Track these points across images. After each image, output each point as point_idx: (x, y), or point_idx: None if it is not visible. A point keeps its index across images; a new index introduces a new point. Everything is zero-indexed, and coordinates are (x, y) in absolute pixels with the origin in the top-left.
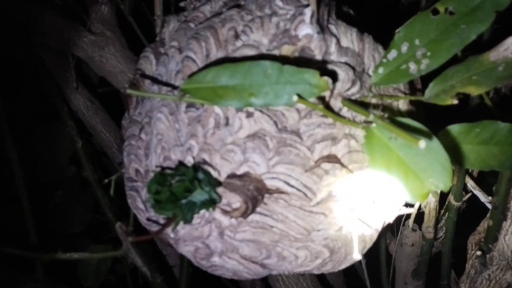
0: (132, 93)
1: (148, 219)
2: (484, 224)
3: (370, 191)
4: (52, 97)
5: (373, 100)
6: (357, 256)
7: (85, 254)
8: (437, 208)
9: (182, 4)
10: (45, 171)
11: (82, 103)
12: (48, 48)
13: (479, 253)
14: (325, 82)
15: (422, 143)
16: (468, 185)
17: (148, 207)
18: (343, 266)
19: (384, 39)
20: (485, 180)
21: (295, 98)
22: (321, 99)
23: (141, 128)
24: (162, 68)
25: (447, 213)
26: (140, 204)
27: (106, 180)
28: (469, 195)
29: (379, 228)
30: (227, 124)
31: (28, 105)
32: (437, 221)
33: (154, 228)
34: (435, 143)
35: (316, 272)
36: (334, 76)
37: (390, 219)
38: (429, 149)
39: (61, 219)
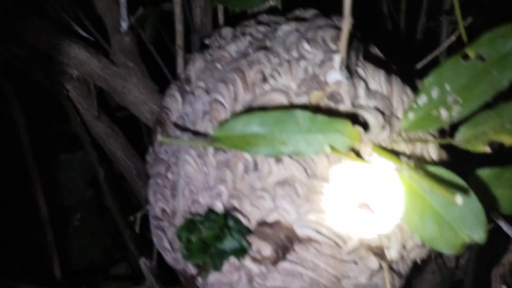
0: (164, 140)
1: (175, 260)
2: (508, 257)
3: (401, 237)
4: (75, 127)
5: (403, 145)
6: None
7: None
8: None
9: (207, 41)
10: (64, 195)
11: (103, 130)
12: (71, 77)
13: (504, 287)
14: (358, 132)
15: (459, 198)
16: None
17: (175, 248)
18: None
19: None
20: None
21: (327, 148)
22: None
23: (167, 168)
24: (188, 107)
25: None
26: (167, 244)
27: (132, 217)
28: (492, 225)
29: (408, 272)
30: (256, 169)
31: (50, 131)
32: None
33: (180, 266)
34: (470, 194)
35: None
36: (365, 124)
37: (418, 261)
38: (463, 200)
39: (80, 243)
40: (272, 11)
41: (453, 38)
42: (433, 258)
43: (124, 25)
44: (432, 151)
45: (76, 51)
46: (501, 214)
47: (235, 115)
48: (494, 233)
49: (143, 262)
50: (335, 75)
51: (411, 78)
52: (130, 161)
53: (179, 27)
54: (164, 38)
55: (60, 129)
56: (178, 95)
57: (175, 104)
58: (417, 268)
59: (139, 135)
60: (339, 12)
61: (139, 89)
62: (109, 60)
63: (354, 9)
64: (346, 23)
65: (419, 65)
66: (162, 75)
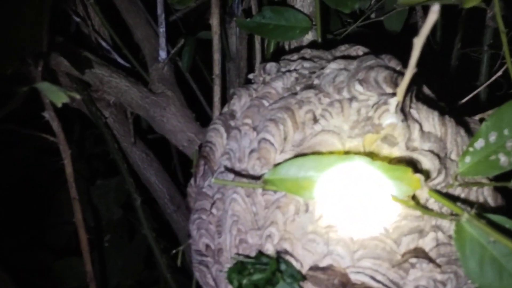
0: (217, 182)
1: None
2: None
3: (456, 285)
4: (112, 154)
5: (459, 188)
6: None
7: None
8: None
9: (251, 76)
10: (96, 218)
11: (138, 156)
12: (108, 103)
13: None
14: (418, 181)
15: None
16: None
17: (220, 284)
18: None
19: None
20: None
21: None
22: None
23: (212, 203)
24: (234, 143)
25: None
26: (210, 281)
27: (174, 251)
28: None
29: None
30: (307, 210)
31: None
32: None
33: None
34: None
35: None
36: (424, 170)
37: None
38: None
39: (112, 265)
40: (310, 45)
41: (499, 73)
42: None
43: (163, 54)
44: (487, 195)
45: (117, 80)
46: None
47: (288, 160)
48: None
49: None
50: (390, 118)
51: (456, 114)
52: (163, 185)
53: (216, 56)
54: (200, 66)
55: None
56: (222, 130)
57: (219, 139)
58: None
59: (169, 158)
60: (380, 46)
61: (177, 117)
62: (148, 89)
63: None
64: (410, 72)
65: (462, 102)
66: (198, 102)
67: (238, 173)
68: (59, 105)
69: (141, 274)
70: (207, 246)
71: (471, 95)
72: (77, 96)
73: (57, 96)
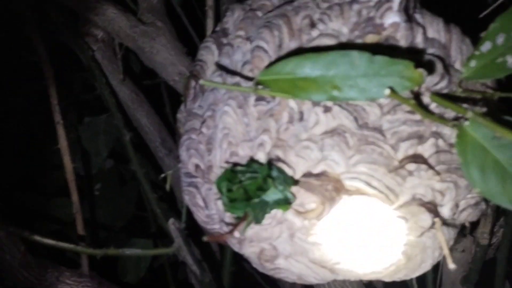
0: (205, 83)
1: (208, 217)
2: None
3: (455, 195)
4: (100, 88)
5: (462, 96)
6: (451, 266)
7: (136, 250)
8: (495, 212)
9: None
10: (86, 163)
11: (127, 95)
12: (96, 38)
13: None
14: (420, 75)
15: None
16: None
17: (209, 204)
18: (416, 274)
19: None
20: None
21: (387, 91)
22: (410, 93)
23: (202, 122)
24: (225, 59)
25: (502, 218)
26: (200, 201)
27: (162, 175)
28: None
29: (456, 234)
30: (301, 119)
31: (73, 98)
32: (493, 226)
33: (212, 226)
34: None
35: (387, 279)
36: (425, 68)
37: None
38: None
39: (102, 212)
40: None
41: None
42: (466, 235)
43: None
44: (492, 105)
45: (104, 7)
46: None
47: (281, 58)
48: None
49: (172, 223)
50: (393, 17)
51: (473, 30)
52: (154, 128)
53: None
54: (192, 2)
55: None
56: (213, 47)
57: (210, 56)
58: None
59: (162, 106)
60: None
61: (168, 49)
62: (137, 18)
63: None
64: None
65: (482, 15)
66: (191, 40)
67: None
68: None
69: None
70: (197, 166)
71: (485, 12)
72: None
73: None
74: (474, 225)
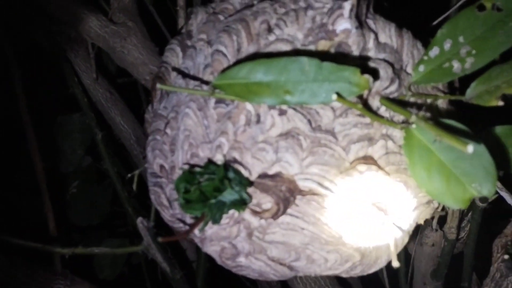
0: (162, 87)
1: (173, 216)
2: (511, 227)
3: (405, 193)
4: (72, 87)
5: (412, 100)
6: (396, 263)
7: (105, 249)
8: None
9: None
10: (62, 161)
11: (101, 94)
12: (69, 37)
13: (506, 256)
14: (366, 81)
15: (470, 147)
16: None
17: (173, 204)
18: (372, 270)
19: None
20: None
21: (334, 97)
22: (359, 97)
23: (166, 123)
24: (189, 61)
25: (470, 214)
26: (164, 201)
27: (129, 175)
28: (495, 196)
29: (411, 231)
30: (258, 121)
31: (48, 95)
32: (460, 221)
33: (177, 224)
34: (480, 147)
35: (344, 275)
36: (373, 74)
37: (422, 221)
38: (473, 153)
39: (78, 210)
40: None
41: None
42: (434, 229)
43: None
44: (441, 108)
45: (75, 7)
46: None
47: (237, 62)
48: (496, 204)
49: (140, 221)
50: (344, 24)
51: (424, 37)
52: (128, 126)
53: None
54: (166, 0)
55: (58, 94)
56: (178, 49)
57: (175, 58)
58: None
59: (139, 103)
60: None
61: (139, 49)
62: (108, 19)
63: None
64: None
65: (433, 23)
66: (164, 38)
67: (192, 84)
68: None
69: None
70: (161, 166)
71: (443, 16)
72: None
73: None
74: (444, 220)
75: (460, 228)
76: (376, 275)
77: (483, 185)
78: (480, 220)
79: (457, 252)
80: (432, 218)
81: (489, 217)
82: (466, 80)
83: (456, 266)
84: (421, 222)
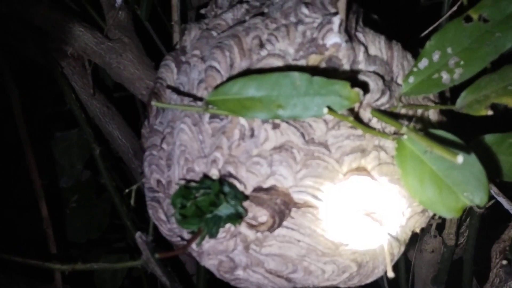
0: (156, 105)
1: (170, 231)
2: (509, 233)
3: (399, 203)
4: (69, 104)
5: (403, 110)
6: (390, 274)
7: (104, 264)
8: None
9: (203, 11)
10: (61, 176)
11: (98, 109)
12: (65, 54)
13: (504, 262)
14: (356, 94)
15: (460, 158)
16: (491, 191)
17: (170, 218)
18: (369, 280)
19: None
20: (508, 186)
21: (325, 110)
22: (350, 110)
23: (162, 138)
24: (183, 77)
25: (468, 219)
26: (162, 216)
27: (127, 190)
28: (492, 201)
29: (407, 240)
30: (252, 135)
31: (45, 112)
32: (459, 227)
33: (175, 239)
34: (471, 156)
35: (342, 285)
36: (364, 87)
37: (418, 230)
38: (464, 162)
39: (77, 224)
40: None
41: (455, 7)
42: (433, 236)
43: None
44: (432, 118)
45: (70, 25)
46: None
47: (230, 78)
48: (494, 209)
49: (139, 236)
50: (334, 38)
51: (414, 48)
52: (126, 140)
53: (174, 1)
54: (161, 16)
55: (56, 110)
56: (173, 65)
57: (170, 74)
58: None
59: (137, 116)
60: None
61: (135, 65)
62: (104, 35)
63: None
64: None
65: (422, 35)
66: (159, 53)
67: (186, 100)
68: None
69: (109, 231)
70: (158, 181)
71: (432, 27)
72: None
73: None
74: (443, 226)
75: (459, 234)
76: (376, 283)
77: (475, 193)
78: (478, 225)
79: (457, 258)
80: (431, 225)
81: (487, 222)
82: (457, 90)
83: (456, 271)
84: (417, 230)
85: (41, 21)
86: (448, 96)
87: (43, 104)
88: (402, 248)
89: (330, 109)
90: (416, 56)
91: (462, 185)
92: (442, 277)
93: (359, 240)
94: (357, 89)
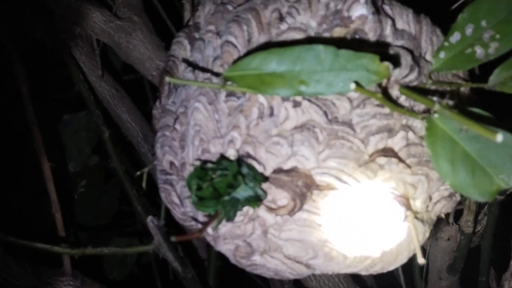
0: (171, 80)
1: (184, 214)
2: None
3: (427, 188)
4: (78, 85)
5: (433, 88)
6: (421, 260)
7: (115, 249)
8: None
9: None
10: (69, 161)
11: (107, 91)
12: (73, 34)
13: None
14: (386, 68)
15: (500, 136)
16: None
17: (184, 201)
18: (392, 267)
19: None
20: None
21: (352, 86)
22: (378, 86)
23: (175, 118)
24: (197, 54)
25: (486, 207)
26: (175, 198)
27: (138, 173)
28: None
29: (432, 226)
30: (271, 114)
31: (54, 94)
32: (477, 214)
33: (189, 223)
34: (509, 135)
35: (363, 273)
36: (392, 61)
37: (443, 215)
38: (502, 142)
39: (86, 209)
40: None
41: None
42: (450, 223)
43: None
44: (463, 96)
45: (78, 2)
46: None
47: (249, 52)
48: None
49: (150, 220)
50: (360, 10)
51: (444, 23)
52: (135, 123)
53: None
54: None
55: (63, 95)
56: (186, 42)
57: (183, 51)
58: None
59: (145, 100)
60: None
61: (144, 44)
62: (113, 14)
63: None
64: None
65: (453, 7)
66: (169, 33)
67: (201, 77)
68: None
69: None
70: (171, 163)
71: (462, 0)
72: None
73: None
74: (459, 213)
75: (477, 222)
76: (390, 271)
77: (510, 176)
78: (498, 213)
79: (474, 246)
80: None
81: (506, 209)
82: (487, 67)
83: (472, 260)
84: (442, 215)
85: (48, 1)
86: (477, 73)
87: (51, 89)
88: (427, 234)
89: (358, 84)
90: (446, 31)
91: (497, 166)
92: (458, 265)
93: (384, 225)
94: (386, 63)
